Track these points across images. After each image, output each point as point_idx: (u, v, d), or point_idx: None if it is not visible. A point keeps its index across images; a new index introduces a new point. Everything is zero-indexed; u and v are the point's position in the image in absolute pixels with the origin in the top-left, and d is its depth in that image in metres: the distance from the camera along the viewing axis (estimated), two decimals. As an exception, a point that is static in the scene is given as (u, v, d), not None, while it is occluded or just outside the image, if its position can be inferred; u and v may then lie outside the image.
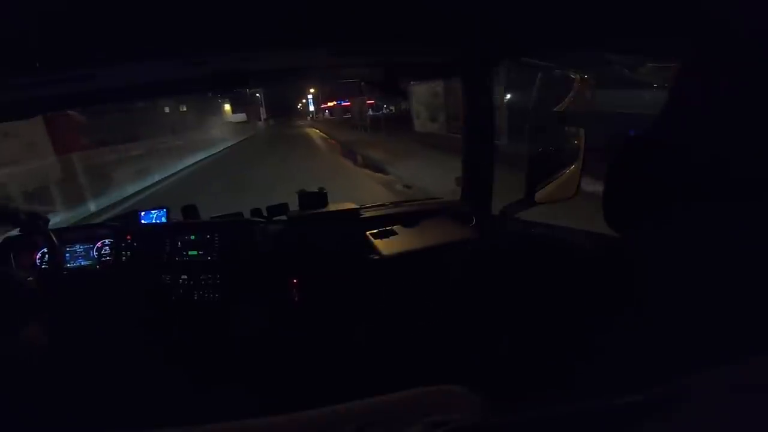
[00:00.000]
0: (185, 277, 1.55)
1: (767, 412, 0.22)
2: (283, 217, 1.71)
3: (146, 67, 1.07)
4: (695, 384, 0.25)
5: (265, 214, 1.74)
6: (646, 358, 0.47)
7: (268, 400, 1.27)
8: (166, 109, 19.03)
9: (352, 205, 1.73)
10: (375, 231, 1.58)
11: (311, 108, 58.53)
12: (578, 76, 1.28)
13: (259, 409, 0.53)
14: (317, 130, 29.16)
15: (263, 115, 53.78)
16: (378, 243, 1.50)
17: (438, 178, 5.48)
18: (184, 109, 21.47)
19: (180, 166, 13.28)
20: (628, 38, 0.94)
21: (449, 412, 0.36)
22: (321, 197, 1.73)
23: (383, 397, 0.42)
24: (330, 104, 45.14)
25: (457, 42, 1.20)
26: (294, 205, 1.75)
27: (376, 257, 1.45)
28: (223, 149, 19.38)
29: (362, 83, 1.55)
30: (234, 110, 36.76)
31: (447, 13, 0.82)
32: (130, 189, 9.20)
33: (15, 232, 1.53)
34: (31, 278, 1.26)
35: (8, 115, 1.35)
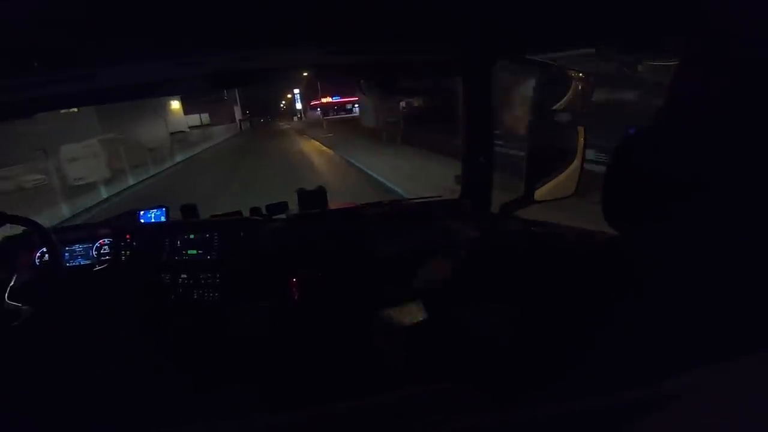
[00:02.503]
0: (185, 276, 1.55)
1: (766, 410, 0.22)
2: (283, 216, 1.71)
3: (146, 67, 1.07)
4: (695, 383, 0.25)
5: (264, 212, 1.74)
6: (646, 357, 0.47)
7: (267, 399, 1.27)
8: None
9: (352, 204, 1.73)
10: (375, 229, 1.58)
11: (298, 106, 46.20)
12: (578, 74, 1.28)
13: (259, 409, 0.53)
14: (324, 147, 14.22)
15: (238, 116, 39.65)
16: (377, 241, 1.50)
17: None
18: (75, 110, 11.67)
19: None
20: (627, 37, 0.94)
21: (449, 411, 0.36)
22: (320, 196, 1.73)
23: (382, 397, 0.42)
24: (323, 101, 34.21)
25: (457, 42, 1.20)
26: (294, 204, 1.75)
27: (376, 256, 1.45)
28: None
29: (362, 81, 1.55)
30: (187, 110, 23.82)
31: (447, 12, 0.82)
32: None
33: (13, 231, 1.52)
34: (30, 278, 1.26)
35: (8, 115, 1.34)
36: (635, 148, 0.48)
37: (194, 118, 26.44)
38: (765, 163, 0.37)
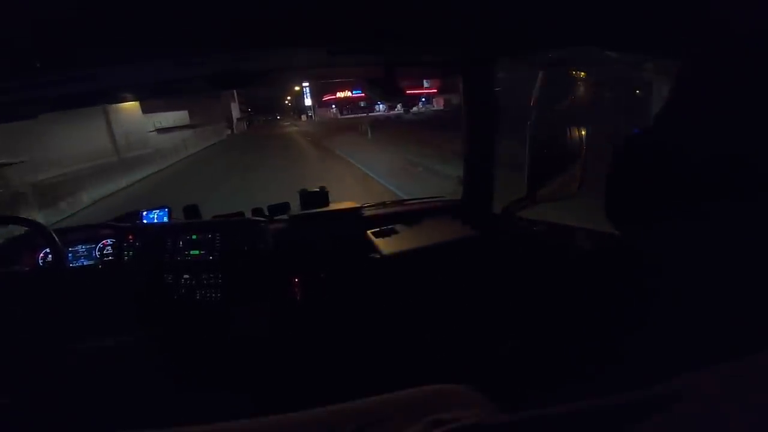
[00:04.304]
0: (187, 276, 1.55)
1: (766, 411, 0.22)
2: (285, 217, 1.72)
3: (147, 68, 1.07)
4: (696, 383, 0.25)
5: (266, 213, 1.74)
6: (647, 357, 0.47)
7: (269, 399, 1.27)
8: None
9: (353, 204, 1.73)
10: (376, 230, 1.58)
11: (308, 102, 38.59)
12: (579, 74, 1.27)
13: (261, 409, 0.53)
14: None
15: (236, 114, 30.96)
16: (379, 242, 1.50)
17: None
18: None
19: None
20: (629, 36, 0.94)
21: (450, 411, 0.36)
22: (322, 196, 1.73)
23: (384, 397, 0.42)
24: (339, 95, 27.43)
25: (457, 42, 1.20)
26: (295, 205, 1.75)
27: (378, 256, 1.45)
28: None
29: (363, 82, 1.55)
30: (159, 106, 17.36)
31: (447, 12, 0.82)
32: None
33: (17, 232, 1.53)
34: (33, 279, 1.27)
35: (9, 116, 1.35)
36: (638, 147, 0.48)
37: (167, 117, 18.71)
38: (767, 163, 0.37)
